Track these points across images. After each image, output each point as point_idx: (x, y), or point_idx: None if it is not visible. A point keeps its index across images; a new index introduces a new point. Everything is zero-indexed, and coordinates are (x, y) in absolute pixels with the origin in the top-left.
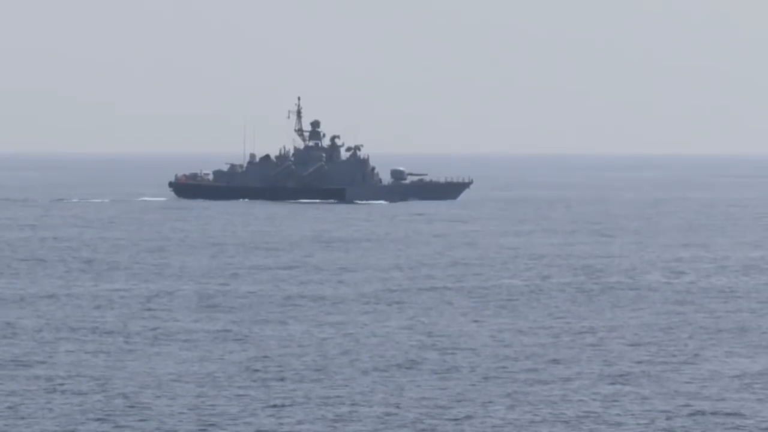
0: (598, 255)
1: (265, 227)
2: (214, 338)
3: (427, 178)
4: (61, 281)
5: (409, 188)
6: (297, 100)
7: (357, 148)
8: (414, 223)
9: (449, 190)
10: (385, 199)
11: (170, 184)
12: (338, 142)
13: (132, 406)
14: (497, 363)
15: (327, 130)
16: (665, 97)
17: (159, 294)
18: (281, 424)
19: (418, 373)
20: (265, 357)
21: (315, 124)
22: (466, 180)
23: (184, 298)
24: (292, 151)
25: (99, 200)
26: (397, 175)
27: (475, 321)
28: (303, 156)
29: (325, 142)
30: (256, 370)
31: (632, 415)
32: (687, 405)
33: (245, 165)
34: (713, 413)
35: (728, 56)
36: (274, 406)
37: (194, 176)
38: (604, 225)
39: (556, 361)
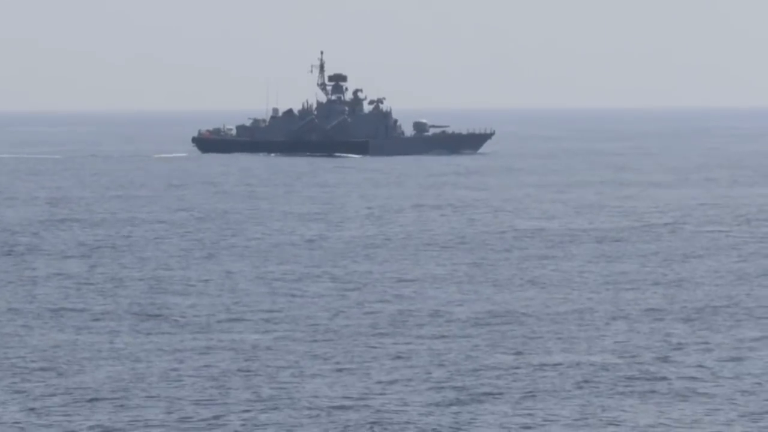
0: None
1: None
2: None
3: (449, 130)
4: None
5: (431, 140)
6: (320, 54)
7: (380, 101)
8: None
9: (471, 141)
10: (408, 152)
11: (193, 140)
12: (361, 95)
13: None
14: None
15: (350, 84)
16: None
17: None
18: None
19: None
20: None
21: (338, 78)
22: (488, 131)
23: None
24: (314, 105)
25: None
26: (419, 127)
27: None
28: (326, 110)
29: (348, 96)
30: None
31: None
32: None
33: (268, 120)
34: None
35: None
36: None
37: (217, 131)
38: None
39: None
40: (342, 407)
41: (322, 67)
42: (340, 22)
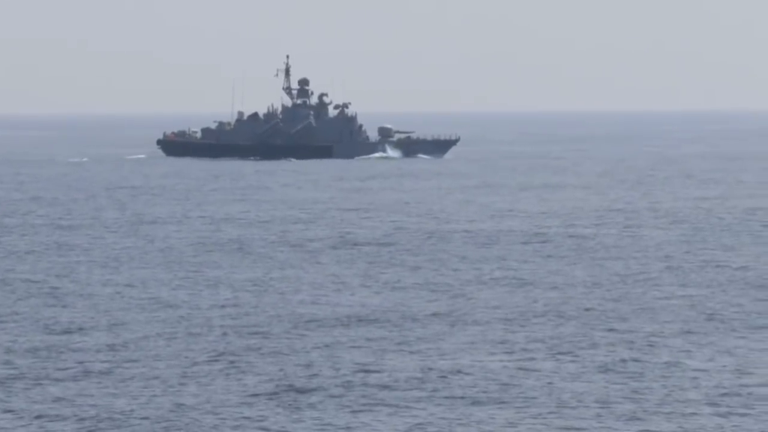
0: None
1: None
2: None
3: (414, 136)
4: None
5: (395, 145)
6: (285, 58)
7: (345, 105)
8: None
9: (436, 147)
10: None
11: (158, 142)
12: (326, 99)
13: None
14: None
15: (315, 87)
16: None
17: None
18: None
19: None
20: None
21: (303, 82)
22: (453, 137)
23: None
24: (280, 109)
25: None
26: (384, 132)
27: None
28: (291, 114)
29: (313, 100)
30: None
31: None
32: None
33: (233, 123)
34: None
35: None
36: None
37: (182, 134)
38: None
39: None
40: (181, 406)
41: (287, 71)
42: (309, 23)
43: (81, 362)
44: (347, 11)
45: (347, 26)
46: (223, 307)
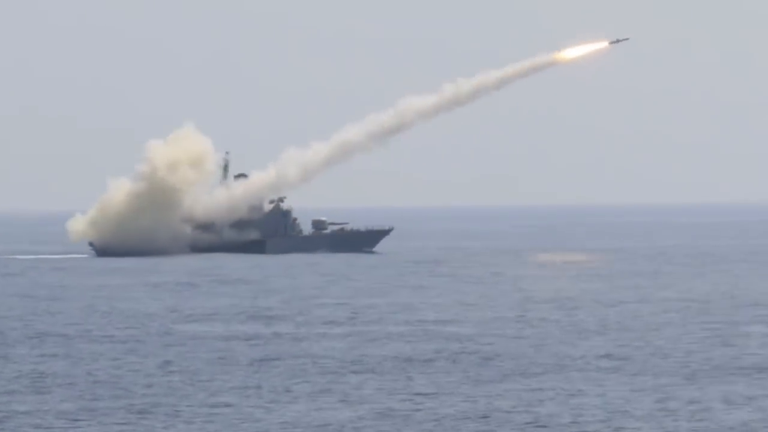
0: None
1: None
2: None
3: (348, 227)
4: None
5: (329, 238)
6: (225, 154)
7: (280, 200)
8: None
9: (369, 238)
10: (306, 250)
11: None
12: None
13: None
14: None
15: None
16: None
17: None
18: None
19: None
20: None
21: (240, 177)
22: (386, 228)
23: None
24: None
25: None
26: (318, 225)
27: None
28: None
29: None
30: None
31: None
32: None
33: None
34: None
35: None
36: None
37: None
38: None
39: None
40: None
41: (226, 167)
42: (246, 118)
43: None
44: (282, 106)
45: (282, 121)
46: None
